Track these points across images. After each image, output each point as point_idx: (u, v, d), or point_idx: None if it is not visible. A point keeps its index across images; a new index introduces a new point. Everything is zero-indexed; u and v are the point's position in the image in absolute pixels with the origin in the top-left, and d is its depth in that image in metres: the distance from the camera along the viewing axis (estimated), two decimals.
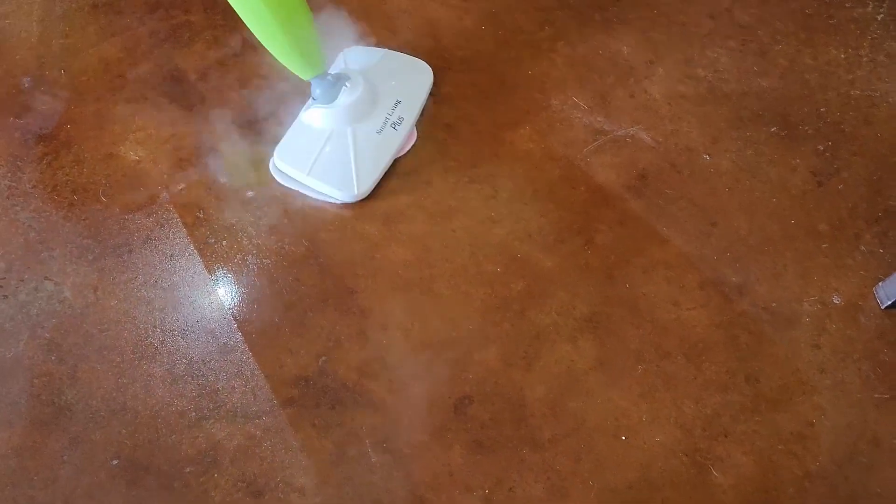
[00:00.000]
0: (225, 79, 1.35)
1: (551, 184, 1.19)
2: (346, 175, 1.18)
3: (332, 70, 1.24)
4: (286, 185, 1.21)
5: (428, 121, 1.27)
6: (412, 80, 1.28)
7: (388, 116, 1.22)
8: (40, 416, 1.03)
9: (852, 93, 1.25)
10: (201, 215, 1.20)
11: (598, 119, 1.25)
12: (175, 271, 1.15)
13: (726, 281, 1.09)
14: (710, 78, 1.28)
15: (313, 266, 1.14)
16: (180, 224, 1.19)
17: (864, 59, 1.29)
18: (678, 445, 0.99)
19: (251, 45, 1.38)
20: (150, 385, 1.06)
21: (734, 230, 1.13)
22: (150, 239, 1.18)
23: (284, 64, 1.13)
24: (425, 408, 1.02)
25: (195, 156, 1.26)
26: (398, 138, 1.22)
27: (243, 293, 1.13)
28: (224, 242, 1.17)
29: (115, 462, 1.00)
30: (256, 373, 1.06)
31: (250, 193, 1.21)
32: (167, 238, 1.18)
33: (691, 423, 1.00)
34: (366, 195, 1.18)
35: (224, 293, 1.13)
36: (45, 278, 1.15)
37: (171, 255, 1.17)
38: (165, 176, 1.24)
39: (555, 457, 0.98)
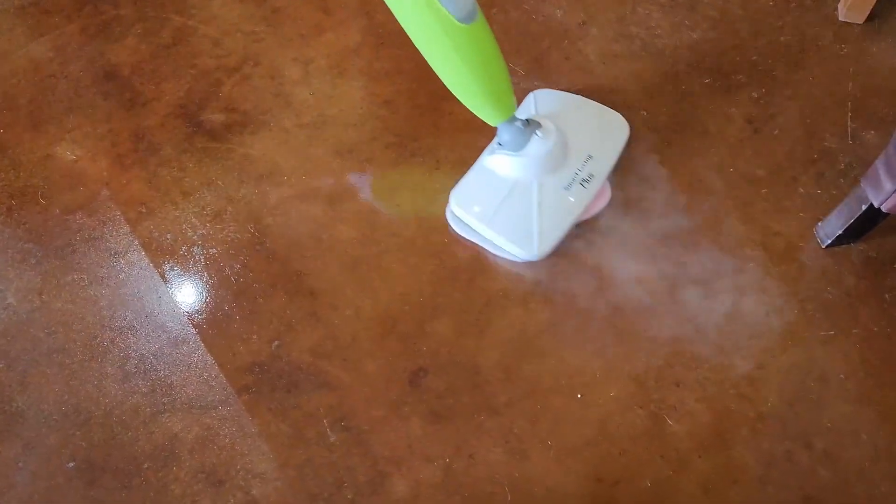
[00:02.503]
0: (159, 71, 1.33)
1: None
2: (527, 231, 1.07)
3: (520, 113, 1.12)
4: (461, 232, 1.12)
5: (369, 100, 1.26)
6: (607, 134, 1.16)
7: (578, 172, 1.10)
8: None
9: (782, 39, 1.26)
10: (143, 210, 1.18)
11: (536, 83, 1.25)
12: (121, 268, 1.14)
13: (671, 234, 1.10)
14: (643, 35, 1.29)
15: (260, 252, 1.13)
16: (123, 220, 1.18)
17: (792, 4, 1.30)
18: (633, 399, 1.00)
19: (183, 37, 1.36)
20: (103, 384, 1.05)
21: (675, 183, 1.14)
22: (94, 238, 1.17)
23: (472, 110, 1.04)
24: (381, 383, 1.03)
25: (134, 151, 1.24)
26: (586, 197, 1.10)
27: (191, 284, 1.12)
28: (169, 235, 1.16)
29: (71, 464, 0.99)
30: (210, 363, 1.05)
31: (193, 184, 1.20)
32: (111, 235, 1.16)
33: (644, 376, 1.01)
34: (546, 256, 1.09)
35: (172, 286, 1.12)
36: None
37: (116, 253, 1.15)
38: (105, 173, 1.23)
39: (512, 420, 0.99)
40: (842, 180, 1.12)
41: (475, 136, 1.20)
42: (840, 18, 1.26)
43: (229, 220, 1.16)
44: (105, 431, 1.01)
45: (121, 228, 1.17)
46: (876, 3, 1.22)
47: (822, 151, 1.15)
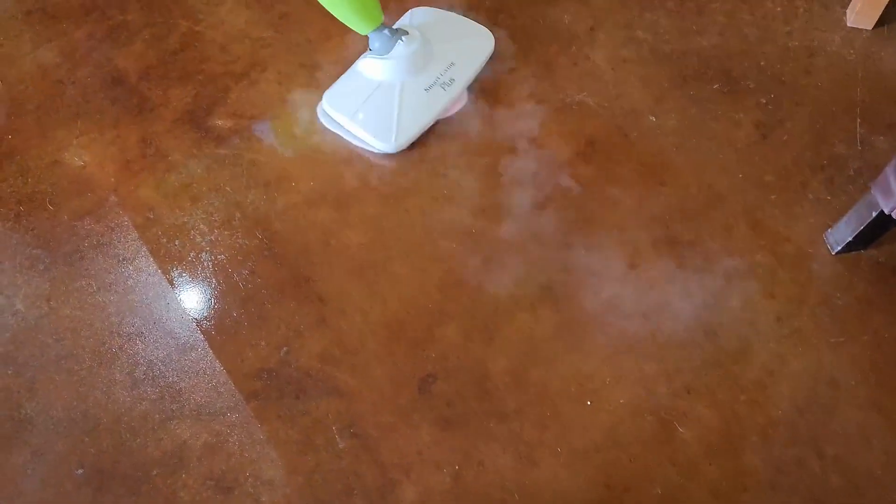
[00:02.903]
0: (167, 77, 1.33)
1: (500, 156, 1.19)
2: (387, 126, 1.19)
3: (397, 26, 1.24)
4: (330, 128, 1.23)
5: None
6: (471, 45, 1.27)
7: (440, 76, 1.22)
8: (0, 432, 1.02)
9: (790, 44, 1.26)
10: (151, 216, 1.18)
11: (544, 87, 1.25)
12: (129, 274, 1.14)
13: (679, 239, 1.10)
14: (651, 40, 1.29)
15: (268, 257, 1.13)
16: (131, 226, 1.18)
17: (801, 10, 1.30)
18: (642, 405, 1.00)
19: (191, 42, 1.36)
20: (111, 391, 1.04)
21: (684, 188, 1.14)
22: (102, 244, 1.16)
23: (343, 21, 1.17)
24: (390, 389, 1.02)
25: (142, 157, 1.24)
26: (445, 99, 1.21)
27: (200, 290, 1.12)
28: (177, 241, 1.16)
29: (80, 471, 0.99)
30: (218, 369, 1.05)
31: (201, 189, 1.20)
32: (119, 241, 1.16)
33: (654, 382, 1.01)
34: (403, 148, 1.19)
35: (180, 292, 1.12)
36: None
37: (124, 259, 1.15)
38: (112, 179, 1.23)
39: (521, 426, 0.99)
40: (851, 186, 1.12)
41: (482, 142, 1.21)
42: (848, 24, 1.26)
43: (237, 226, 1.16)
44: (114, 438, 1.01)
45: (129, 234, 1.17)
46: (884, 9, 1.22)
47: (832, 157, 1.15)
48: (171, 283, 1.12)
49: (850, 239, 1.05)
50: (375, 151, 1.20)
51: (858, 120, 1.17)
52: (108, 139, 1.26)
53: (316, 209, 1.17)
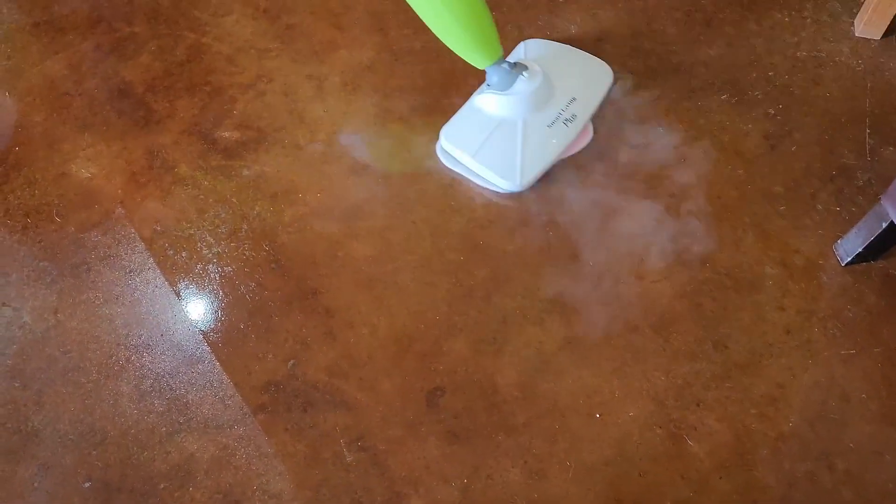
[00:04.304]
0: (173, 88, 1.33)
1: None
2: (511, 164, 1.14)
3: (511, 59, 1.19)
4: (450, 166, 1.19)
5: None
6: (591, 79, 1.23)
7: (562, 112, 1.17)
8: (7, 445, 1.02)
9: (799, 55, 1.26)
10: (159, 228, 1.18)
11: None
12: (136, 286, 1.14)
13: (688, 250, 1.10)
14: (659, 50, 1.28)
15: (275, 269, 1.13)
16: (138, 238, 1.18)
17: (808, 20, 1.29)
18: (652, 418, 0.99)
19: (197, 54, 1.37)
20: (118, 404, 1.04)
21: (692, 200, 1.14)
22: (109, 256, 1.16)
23: (459, 53, 1.12)
24: (398, 402, 1.02)
25: (148, 169, 1.24)
26: (568, 135, 1.17)
27: (207, 303, 1.11)
28: (184, 253, 1.16)
29: (87, 484, 0.99)
30: (225, 382, 1.05)
31: (208, 202, 1.20)
32: (126, 254, 1.16)
33: (663, 395, 1.00)
34: (528, 187, 1.15)
35: (187, 304, 1.11)
36: (3, 304, 1.12)
37: (131, 271, 1.15)
38: (119, 191, 1.23)
39: (530, 440, 0.98)
40: (861, 197, 1.12)
41: None
42: (856, 34, 1.26)
43: (244, 238, 1.16)
44: (121, 451, 1.01)
45: (136, 246, 1.17)
46: (893, 19, 1.22)
47: (841, 168, 1.14)
48: (177, 295, 1.12)
49: (859, 250, 1.04)
50: (499, 191, 1.16)
51: (867, 130, 1.17)
52: (115, 151, 1.27)
53: (323, 221, 1.16)
